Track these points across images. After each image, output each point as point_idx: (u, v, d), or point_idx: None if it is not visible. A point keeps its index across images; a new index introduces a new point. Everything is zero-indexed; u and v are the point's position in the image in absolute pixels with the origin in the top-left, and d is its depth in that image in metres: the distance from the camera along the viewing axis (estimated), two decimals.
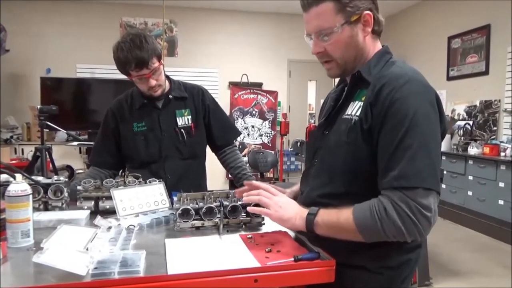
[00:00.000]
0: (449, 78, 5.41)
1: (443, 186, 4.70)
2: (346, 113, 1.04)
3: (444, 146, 4.81)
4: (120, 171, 1.74)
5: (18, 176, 1.13)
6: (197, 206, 1.23)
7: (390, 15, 6.60)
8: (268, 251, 0.99)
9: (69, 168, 2.82)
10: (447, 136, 4.88)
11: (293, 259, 0.93)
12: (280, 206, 1.03)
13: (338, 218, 0.96)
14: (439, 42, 5.55)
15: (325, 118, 1.13)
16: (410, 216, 0.89)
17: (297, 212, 1.02)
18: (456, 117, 5.22)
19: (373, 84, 0.98)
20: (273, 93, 6.32)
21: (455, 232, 4.38)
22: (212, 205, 1.22)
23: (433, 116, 0.94)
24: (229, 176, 5.47)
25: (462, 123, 4.99)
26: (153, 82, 1.67)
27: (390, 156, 0.93)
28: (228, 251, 1.01)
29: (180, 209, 1.20)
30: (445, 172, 3.36)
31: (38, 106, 2.43)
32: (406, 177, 0.90)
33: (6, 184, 1.34)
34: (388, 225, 0.90)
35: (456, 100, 5.27)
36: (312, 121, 7.20)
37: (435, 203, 0.91)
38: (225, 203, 1.24)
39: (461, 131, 4.89)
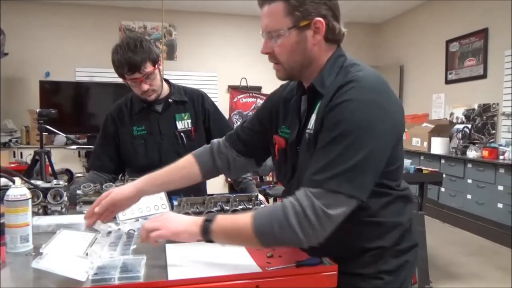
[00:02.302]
0: (448, 82, 5.42)
1: (442, 189, 4.70)
2: (307, 128, 1.02)
3: (443, 149, 4.81)
4: (120, 175, 1.74)
5: (17, 180, 1.13)
6: (197, 210, 1.22)
7: (388, 20, 6.63)
8: (270, 256, 0.99)
9: (68, 172, 2.81)
10: (446, 139, 4.89)
11: (295, 264, 0.93)
12: (169, 221, 0.97)
13: (235, 223, 0.93)
14: (437, 45, 5.57)
15: (296, 135, 1.07)
16: (308, 216, 0.86)
17: (190, 221, 0.97)
18: (454, 121, 5.23)
19: (326, 96, 0.96)
20: None
21: (454, 235, 4.38)
22: (212, 210, 1.22)
23: (375, 121, 0.89)
24: (229, 179, 5.46)
25: (460, 126, 5.00)
26: (145, 86, 1.66)
27: (313, 158, 0.91)
28: (229, 257, 1.01)
29: (181, 213, 1.19)
30: (444, 175, 3.35)
31: (38, 110, 2.43)
32: (318, 178, 0.87)
33: (5, 188, 1.34)
34: (285, 229, 0.86)
35: (454, 104, 5.28)
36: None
37: (344, 207, 0.87)
38: (226, 207, 1.23)
39: (460, 135, 4.90)
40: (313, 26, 0.96)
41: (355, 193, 0.87)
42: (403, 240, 1.03)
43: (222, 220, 0.94)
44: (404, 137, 5.04)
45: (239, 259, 0.99)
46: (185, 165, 1.21)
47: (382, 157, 0.92)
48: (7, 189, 1.11)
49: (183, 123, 1.82)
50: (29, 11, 5.59)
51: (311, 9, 0.95)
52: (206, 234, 0.94)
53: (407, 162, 3.07)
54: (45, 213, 1.37)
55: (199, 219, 0.96)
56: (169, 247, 1.07)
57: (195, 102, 1.87)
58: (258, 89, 6.41)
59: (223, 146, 1.24)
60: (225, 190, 6.11)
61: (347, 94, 0.91)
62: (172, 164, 1.21)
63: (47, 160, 2.58)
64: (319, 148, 0.92)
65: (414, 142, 5.19)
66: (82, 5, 5.75)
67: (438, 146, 4.85)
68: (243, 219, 0.92)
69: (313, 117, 1.00)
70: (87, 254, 0.99)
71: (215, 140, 1.27)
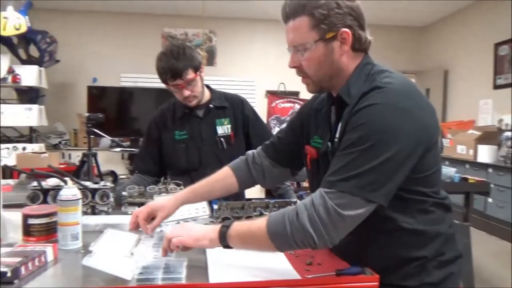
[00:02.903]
0: (496, 87, 5.16)
1: (490, 200, 4.47)
2: (335, 137, 1.02)
3: (490, 157, 4.58)
4: (162, 178, 1.79)
5: (69, 181, 1.20)
6: (237, 215, 1.24)
7: (431, 22, 6.41)
8: (309, 263, 0.98)
9: (112, 173, 2.94)
10: (494, 147, 4.64)
11: (334, 273, 0.92)
12: (190, 229, 1.02)
13: (250, 227, 0.96)
14: (485, 49, 5.32)
15: (327, 145, 1.08)
16: (319, 214, 0.87)
17: (209, 228, 1.01)
18: (503, 128, 4.95)
19: (351, 104, 0.96)
20: None
21: (502, 248, 4.14)
22: (251, 215, 1.23)
23: (397, 125, 0.88)
24: None
25: (510, 133, 4.73)
26: (186, 92, 1.72)
27: (333, 161, 0.92)
28: (268, 262, 1.01)
29: (220, 217, 1.22)
30: (491, 185, 3.19)
31: (86, 114, 2.56)
32: (333, 179, 0.89)
33: (57, 188, 1.42)
34: (297, 228, 0.88)
35: (503, 110, 5.01)
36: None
37: (359, 209, 0.87)
38: (265, 213, 1.24)
39: (510, 142, 4.64)
40: (340, 37, 0.97)
41: (371, 196, 0.87)
42: (446, 251, 1.00)
43: (238, 226, 0.98)
44: (448, 144, 4.84)
45: (278, 265, 0.99)
46: (223, 177, 1.27)
47: (405, 162, 0.90)
48: (59, 189, 1.18)
49: (223, 128, 1.86)
50: (78, 21, 5.91)
51: (336, 21, 0.95)
52: (224, 240, 0.97)
53: (451, 171, 2.95)
54: (93, 212, 1.44)
55: (218, 226, 1.00)
56: (209, 250, 1.09)
57: (235, 107, 1.90)
58: (296, 94, 6.39)
59: (258, 156, 1.28)
60: (262, 195, 6.12)
61: (371, 99, 0.91)
62: (211, 176, 1.27)
63: (94, 161, 2.71)
64: (339, 151, 0.93)
65: (459, 149, 4.98)
66: (127, 14, 6.00)
67: (485, 154, 4.62)
68: (258, 223, 0.95)
69: (340, 125, 1.01)
70: (132, 254, 1.03)
71: (250, 152, 1.31)
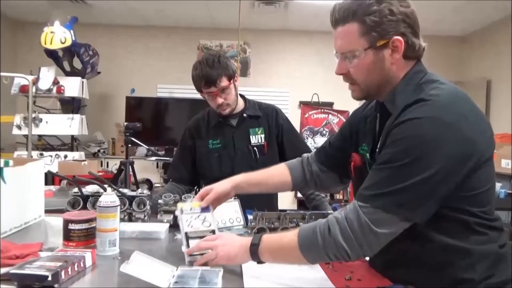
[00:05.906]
0: None
1: None
2: (377, 147, 0.98)
3: None
4: (196, 187, 1.80)
5: (109, 188, 1.22)
6: (272, 226, 1.22)
7: (473, 32, 6.19)
8: (348, 279, 0.95)
9: (148, 182, 2.99)
10: None
11: None
12: (224, 244, 1.01)
13: (280, 242, 0.96)
14: None
15: (370, 154, 1.05)
16: (353, 229, 0.85)
17: (241, 245, 1.00)
18: None
19: (394, 114, 0.92)
20: (344, 113, 6.17)
21: None
22: (287, 226, 1.21)
23: (438, 141, 0.83)
24: (298, 196, 5.41)
25: None
26: (220, 100, 1.73)
27: (370, 173, 0.90)
28: (305, 276, 0.98)
29: (256, 228, 1.20)
30: None
31: (125, 123, 2.63)
32: (368, 193, 0.87)
33: (97, 194, 1.45)
34: (329, 242, 0.87)
35: None
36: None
37: (393, 227, 0.85)
38: (301, 224, 1.22)
39: None
40: (391, 45, 0.92)
41: (406, 215, 0.85)
42: (495, 273, 0.92)
43: (269, 242, 0.97)
44: None
45: (316, 279, 0.97)
46: (280, 173, 1.27)
47: (447, 180, 0.85)
48: (99, 196, 1.21)
49: (257, 138, 1.85)
50: (118, 34, 6.14)
51: (389, 28, 0.91)
52: (255, 258, 0.98)
53: (496, 186, 2.79)
54: (130, 220, 1.46)
55: (247, 243, 0.99)
56: None
57: (269, 117, 1.89)
58: (329, 105, 6.32)
59: (311, 160, 1.27)
60: (294, 206, 6.06)
61: (413, 113, 0.87)
62: (266, 170, 1.28)
63: (130, 170, 2.77)
64: (377, 164, 0.90)
65: (503, 164, 4.72)
66: (164, 28, 6.18)
67: None
68: (288, 236, 0.95)
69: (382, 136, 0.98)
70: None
71: (305, 154, 1.31)
